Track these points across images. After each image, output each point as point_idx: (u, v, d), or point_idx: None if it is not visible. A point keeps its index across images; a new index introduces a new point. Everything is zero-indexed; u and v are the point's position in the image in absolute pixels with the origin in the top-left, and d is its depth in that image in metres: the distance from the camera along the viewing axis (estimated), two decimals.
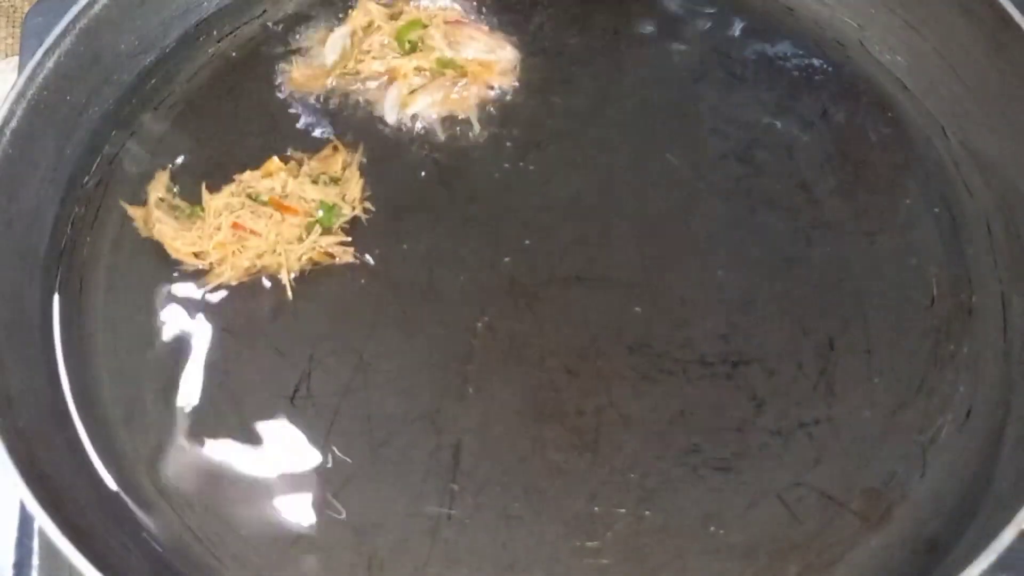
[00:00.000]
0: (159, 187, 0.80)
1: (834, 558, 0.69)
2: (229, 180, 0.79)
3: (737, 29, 0.89)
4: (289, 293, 0.77)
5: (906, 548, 0.70)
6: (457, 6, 0.87)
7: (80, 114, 0.81)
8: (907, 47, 0.86)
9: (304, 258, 0.78)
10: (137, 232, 0.79)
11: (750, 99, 0.85)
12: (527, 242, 0.79)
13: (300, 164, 0.81)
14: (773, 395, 0.74)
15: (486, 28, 0.87)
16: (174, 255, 0.78)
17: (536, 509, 0.71)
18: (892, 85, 0.86)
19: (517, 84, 0.85)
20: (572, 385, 0.74)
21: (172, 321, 0.77)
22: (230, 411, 0.74)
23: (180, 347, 0.76)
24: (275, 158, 0.80)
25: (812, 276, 0.78)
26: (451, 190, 0.81)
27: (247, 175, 0.79)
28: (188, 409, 0.74)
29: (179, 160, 0.82)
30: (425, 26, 0.85)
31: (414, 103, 0.84)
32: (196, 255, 0.77)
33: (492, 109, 0.84)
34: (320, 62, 0.87)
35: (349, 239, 0.79)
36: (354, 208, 0.80)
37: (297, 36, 0.88)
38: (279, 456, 0.72)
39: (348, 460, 0.72)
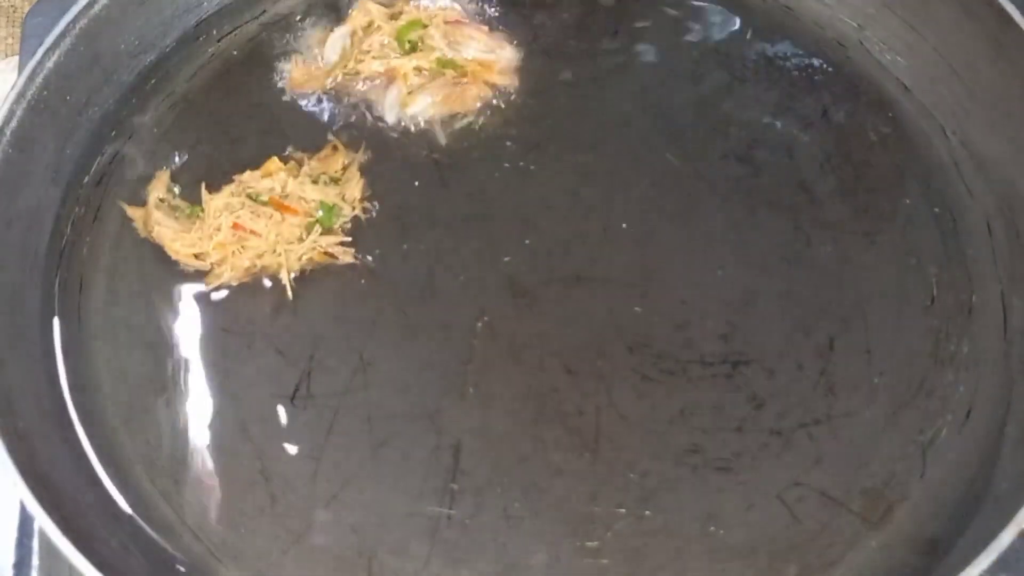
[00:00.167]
0: (159, 187, 0.80)
1: (834, 558, 0.69)
2: (229, 180, 0.79)
3: (737, 29, 0.89)
4: (289, 293, 0.77)
5: (906, 548, 0.70)
6: (457, 6, 0.87)
7: (80, 114, 0.81)
8: (907, 47, 0.86)
9: (304, 258, 0.78)
10: (137, 232, 0.79)
11: (750, 99, 0.85)
12: (527, 242, 0.79)
13: (300, 164, 0.81)
14: (773, 395, 0.74)
15: (486, 28, 0.87)
16: (174, 257, 0.78)
17: (536, 509, 0.71)
18: (892, 85, 0.86)
19: (517, 84, 0.85)
20: (572, 385, 0.74)
21: (172, 321, 0.77)
22: (230, 411, 0.74)
23: (180, 347, 0.76)
24: (275, 158, 0.80)
25: (812, 276, 0.78)
26: (451, 190, 0.81)
27: (247, 175, 0.79)
28: (188, 409, 0.74)
29: (179, 160, 0.82)
30: (425, 26, 0.85)
31: (414, 103, 0.84)
32: (196, 256, 0.77)
33: (492, 109, 0.84)
34: (320, 62, 0.87)
35: (349, 239, 0.79)
36: (354, 208, 0.80)
37: (297, 36, 0.88)
38: (279, 456, 0.72)
39: (348, 460, 0.72)
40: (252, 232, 0.77)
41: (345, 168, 0.81)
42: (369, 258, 0.78)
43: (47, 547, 0.72)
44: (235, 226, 0.77)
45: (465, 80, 0.84)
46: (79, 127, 0.81)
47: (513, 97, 0.85)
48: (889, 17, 0.86)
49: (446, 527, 0.70)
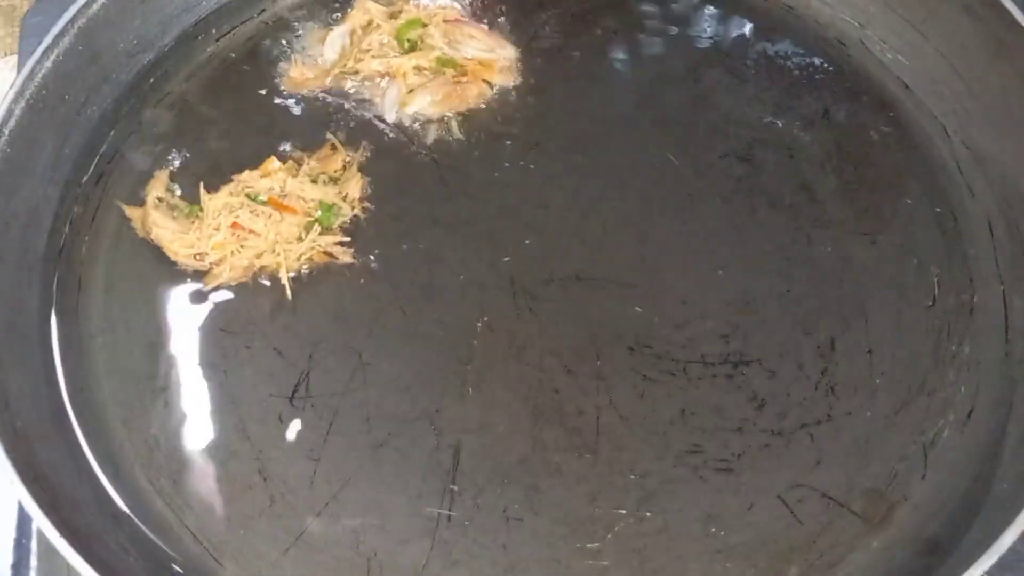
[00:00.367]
0: (158, 187, 0.80)
1: (835, 559, 0.69)
2: (228, 180, 0.79)
3: (738, 29, 0.89)
4: (288, 293, 0.77)
5: (907, 549, 0.70)
6: (457, 5, 0.87)
7: (79, 113, 0.81)
8: (908, 46, 0.86)
9: (303, 258, 0.78)
10: (136, 232, 0.79)
11: (751, 98, 0.85)
12: (527, 242, 0.79)
13: (299, 163, 0.81)
14: (774, 395, 0.74)
15: (486, 27, 0.87)
16: (173, 258, 0.77)
17: (536, 509, 0.70)
18: (893, 84, 0.86)
19: (517, 83, 0.85)
20: (572, 385, 0.74)
21: (171, 321, 0.76)
22: (230, 411, 0.73)
23: (179, 347, 0.76)
24: (274, 157, 0.80)
25: (813, 276, 0.78)
26: (451, 190, 0.81)
27: (246, 175, 0.79)
28: (187, 409, 0.74)
29: (178, 159, 0.82)
30: (424, 25, 0.85)
31: (414, 102, 0.84)
32: (195, 256, 0.77)
33: (492, 108, 0.84)
34: (319, 61, 0.86)
35: (348, 239, 0.78)
36: (353, 208, 0.79)
37: (296, 35, 0.88)
38: (278, 456, 0.72)
39: (347, 460, 0.72)
40: (251, 232, 0.77)
41: (344, 167, 0.81)
42: (369, 258, 0.78)
43: (45, 547, 0.72)
44: (234, 226, 0.77)
45: (465, 79, 0.84)
46: (78, 126, 0.81)
47: (513, 96, 0.85)
48: (890, 16, 0.86)
49: (446, 527, 0.70)
